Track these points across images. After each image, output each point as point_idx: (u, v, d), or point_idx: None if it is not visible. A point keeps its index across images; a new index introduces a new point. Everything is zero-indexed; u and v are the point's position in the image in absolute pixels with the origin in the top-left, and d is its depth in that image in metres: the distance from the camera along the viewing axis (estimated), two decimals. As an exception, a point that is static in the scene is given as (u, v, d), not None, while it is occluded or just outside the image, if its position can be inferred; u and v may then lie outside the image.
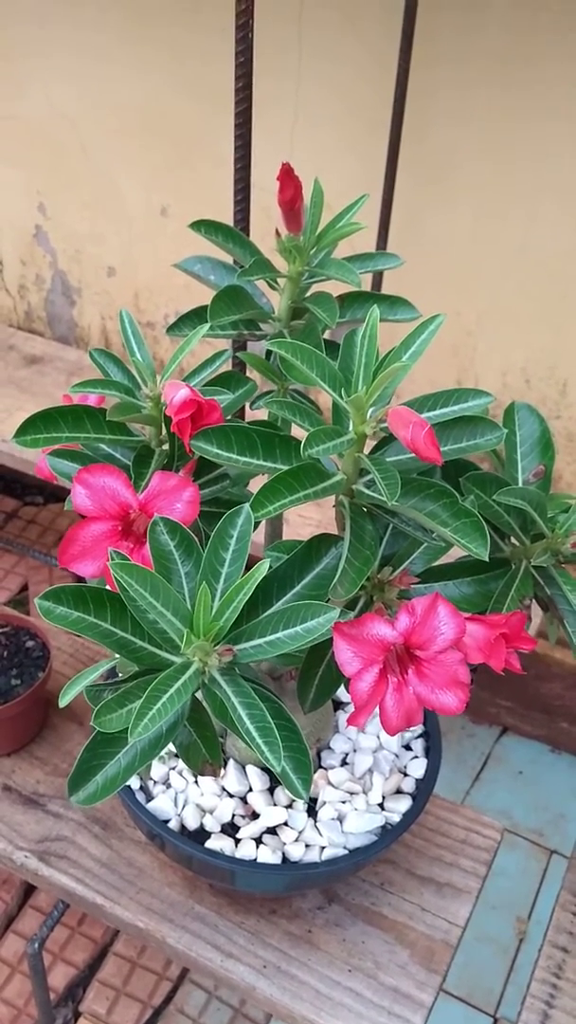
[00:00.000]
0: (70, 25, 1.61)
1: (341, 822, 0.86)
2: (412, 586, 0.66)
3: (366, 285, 1.46)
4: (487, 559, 0.56)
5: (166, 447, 0.68)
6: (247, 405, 0.74)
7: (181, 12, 1.49)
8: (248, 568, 0.58)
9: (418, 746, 0.94)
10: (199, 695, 0.60)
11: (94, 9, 1.57)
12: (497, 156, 1.38)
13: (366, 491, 0.61)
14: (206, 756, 0.62)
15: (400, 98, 1.29)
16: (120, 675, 0.64)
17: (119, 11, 1.55)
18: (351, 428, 0.59)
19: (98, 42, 1.60)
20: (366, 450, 0.62)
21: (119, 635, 0.57)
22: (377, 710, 0.59)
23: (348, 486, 0.62)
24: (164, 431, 0.68)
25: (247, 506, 0.58)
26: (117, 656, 0.59)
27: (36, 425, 0.64)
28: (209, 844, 0.83)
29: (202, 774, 0.64)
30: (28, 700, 1.01)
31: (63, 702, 0.60)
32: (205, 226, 0.76)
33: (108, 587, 0.59)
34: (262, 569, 0.55)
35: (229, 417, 0.75)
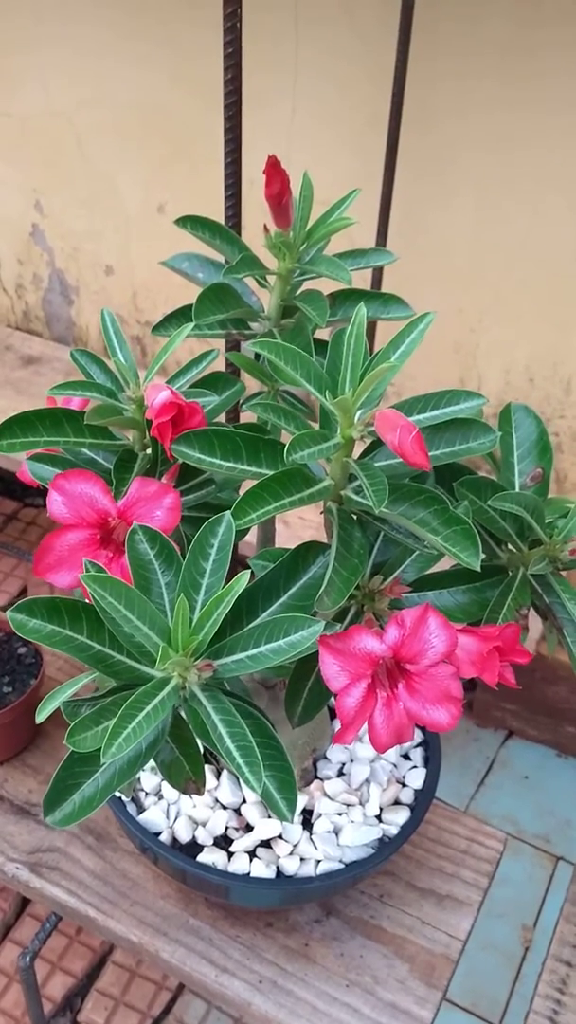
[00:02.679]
0: (66, 21, 1.59)
1: (337, 835, 0.84)
2: (404, 595, 0.64)
3: (366, 283, 1.43)
4: (478, 569, 0.53)
5: (149, 452, 0.66)
6: (239, 407, 0.72)
7: (177, 7, 1.47)
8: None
9: (417, 756, 0.92)
10: (182, 712, 0.58)
11: (90, 4, 1.55)
12: (498, 149, 1.35)
13: (355, 497, 0.59)
14: (189, 774, 0.60)
15: (399, 90, 1.26)
16: (99, 690, 0.62)
17: (115, 6, 1.53)
18: (338, 432, 0.57)
19: (94, 38, 1.58)
20: (355, 454, 0.59)
21: (96, 649, 0.55)
22: (366, 726, 0.56)
23: (336, 492, 0.60)
24: (147, 435, 0.66)
25: (228, 514, 0.56)
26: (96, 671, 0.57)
27: (13, 429, 0.62)
28: (201, 858, 0.82)
29: (185, 792, 0.61)
30: (20, 708, 0.99)
31: (40, 718, 0.58)
32: (192, 222, 0.74)
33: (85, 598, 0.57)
34: (242, 581, 0.53)
35: (222, 420, 0.73)
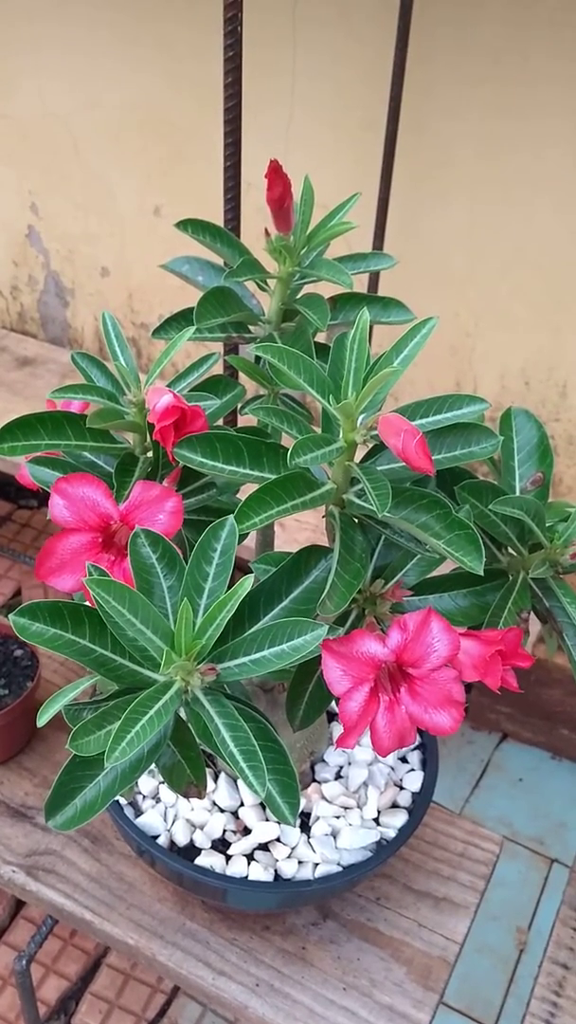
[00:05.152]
0: (61, 22, 1.59)
1: (335, 838, 0.84)
2: (405, 599, 0.64)
3: (362, 286, 1.43)
4: (481, 573, 0.53)
5: (150, 455, 0.66)
6: (238, 410, 0.72)
7: (174, 9, 1.47)
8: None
9: (414, 759, 0.92)
10: (183, 714, 0.58)
11: (86, 6, 1.55)
12: (494, 153, 1.36)
13: (357, 501, 0.59)
14: (190, 777, 0.60)
15: (396, 95, 1.26)
16: (101, 693, 0.62)
17: (111, 8, 1.53)
18: (341, 436, 0.57)
19: (90, 39, 1.57)
20: (357, 458, 0.59)
21: (98, 653, 0.55)
22: (368, 730, 0.56)
23: (339, 496, 0.60)
24: (148, 438, 0.66)
25: (231, 518, 0.56)
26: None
27: (14, 432, 0.62)
28: (199, 861, 0.81)
29: (186, 796, 0.61)
30: (16, 710, 0.99)
31: (41, 721, 0.58)
32: (192, 225, 0.74)
33: (87, 602, 0.56)
34: (245, 585, 0.53)
35: (220, 423, 0.72)
